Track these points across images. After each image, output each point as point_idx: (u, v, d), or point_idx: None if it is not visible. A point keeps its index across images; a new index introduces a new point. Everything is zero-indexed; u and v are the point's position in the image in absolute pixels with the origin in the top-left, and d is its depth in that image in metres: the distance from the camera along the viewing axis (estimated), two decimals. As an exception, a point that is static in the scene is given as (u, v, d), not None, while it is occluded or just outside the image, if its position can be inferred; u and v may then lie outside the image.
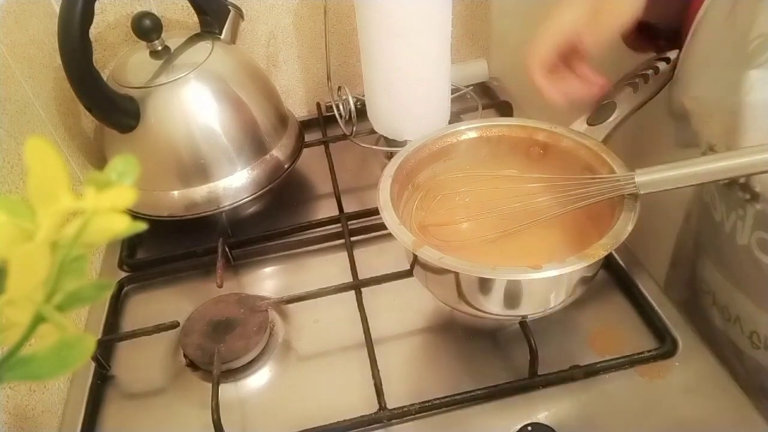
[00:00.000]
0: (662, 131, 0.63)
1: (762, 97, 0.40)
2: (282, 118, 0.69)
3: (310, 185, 0.74)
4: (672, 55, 0.54)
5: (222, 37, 0.65)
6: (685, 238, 0.63)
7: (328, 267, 0.62)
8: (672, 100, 0.52)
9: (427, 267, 0.47)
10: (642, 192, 0.44)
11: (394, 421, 0.47)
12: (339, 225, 0.64)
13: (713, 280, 0.54)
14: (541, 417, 0.46)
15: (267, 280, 0.62)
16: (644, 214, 0.44)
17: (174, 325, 0.53)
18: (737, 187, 0.46)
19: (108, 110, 0.58)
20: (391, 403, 0.47)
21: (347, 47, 0.81)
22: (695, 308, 0.59)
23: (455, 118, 0.75)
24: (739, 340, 0.52)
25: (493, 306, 0.46)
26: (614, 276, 0.56)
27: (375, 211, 0.51)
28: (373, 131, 0.73)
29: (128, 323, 0.59)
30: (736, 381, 0.47)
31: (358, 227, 0.64)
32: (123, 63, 0.64)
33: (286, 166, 0.67)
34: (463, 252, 0.51)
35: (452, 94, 0.73)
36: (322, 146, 0.75)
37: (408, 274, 0.52)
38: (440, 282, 0.48)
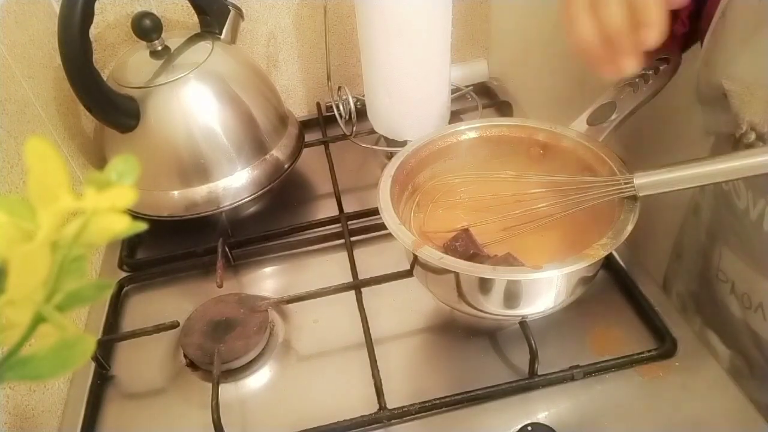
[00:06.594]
0: (688, 120, 0.60)
1: None
2: (282, 118, 0.69)
3: (310, 185, 0.74)
4: (672, 56, 0.54)
5: (222, 37, 0.65)
6: (694, 231, 0.63)
7: (328, 267, 0.62)
8: (702, 84, 0.50)
9: (427, 267, 0.47)
10: (641, 194, 0.44)
11: (394, 421, 0.47)
12: (339, 225, 0.64)
13: (733, 269, 0.54)
14: (541, 417, 0.46)
15: (267, 280, 0.62)
16: (645, 214, 0.44)
17: (174, 325, 0.53)
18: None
19: (108, 110, 0.58)
20: (391, 403, 0.47)
21: (347, 47, 0.81)
22: (706, 298, 0.58)
23: (455, 118, 0.75)
24: (760, 328, 0.52)
25: (493, 306, 0.46)
26: (614, 276, 0.56)
27: (375, 211, 0.51)
28: (373, 131, 0.73)
29: (128, 323, 0.59)
30: (752, 370, 0.46)
31: (358, 227, 0.63)
32: (123, 63, 0.64)
33: (286, 166, 0.67)
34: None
35: (452, 94, 0.73)
36: (322, 146, 0.75)
37: (408, 274, 0.52)
38: (440, 282, 0.48)
